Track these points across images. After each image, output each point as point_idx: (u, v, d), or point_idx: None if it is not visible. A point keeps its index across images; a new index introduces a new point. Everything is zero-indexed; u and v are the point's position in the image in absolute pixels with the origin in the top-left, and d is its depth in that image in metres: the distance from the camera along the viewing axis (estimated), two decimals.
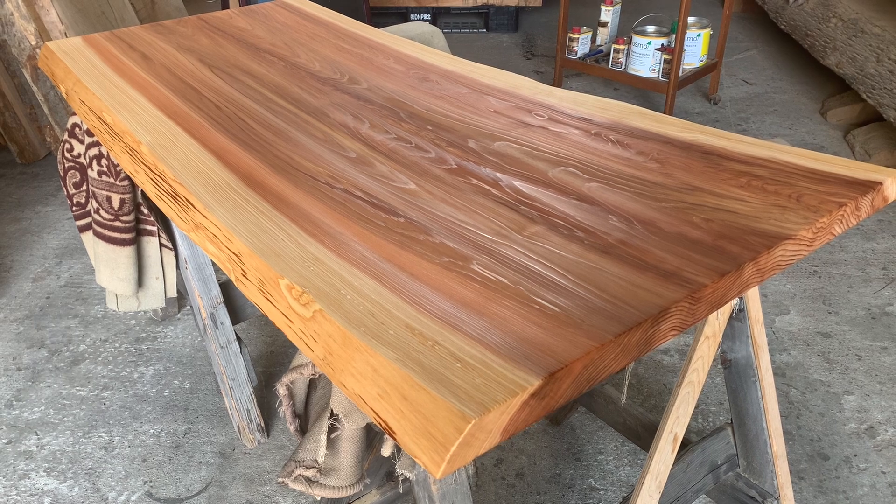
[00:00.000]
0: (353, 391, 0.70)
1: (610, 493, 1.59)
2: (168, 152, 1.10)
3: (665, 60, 3.19)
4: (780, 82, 3.79)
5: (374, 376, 0.67)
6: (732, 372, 1.19)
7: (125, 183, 1.47)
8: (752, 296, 1.11)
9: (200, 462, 1.71)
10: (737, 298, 1.09)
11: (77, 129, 1.53)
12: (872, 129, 3.08)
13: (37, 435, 1.79)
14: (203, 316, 1.58)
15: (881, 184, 0.94)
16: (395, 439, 0.65)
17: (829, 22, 3.37)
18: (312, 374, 1.01)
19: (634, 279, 0.78)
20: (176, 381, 1.95)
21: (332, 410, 0.95)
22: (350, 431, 0.96)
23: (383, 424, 0.66)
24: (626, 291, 0.76)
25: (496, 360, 0.66)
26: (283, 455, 1.73)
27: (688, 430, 1.74)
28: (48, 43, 1.59)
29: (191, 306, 1.62)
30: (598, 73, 3.43)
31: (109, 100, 1.29)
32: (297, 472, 0.98)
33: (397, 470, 0.91)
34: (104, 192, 1.48)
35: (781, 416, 1.77)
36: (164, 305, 1.68)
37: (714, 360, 1.85)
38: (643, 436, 1.45)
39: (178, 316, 2.20)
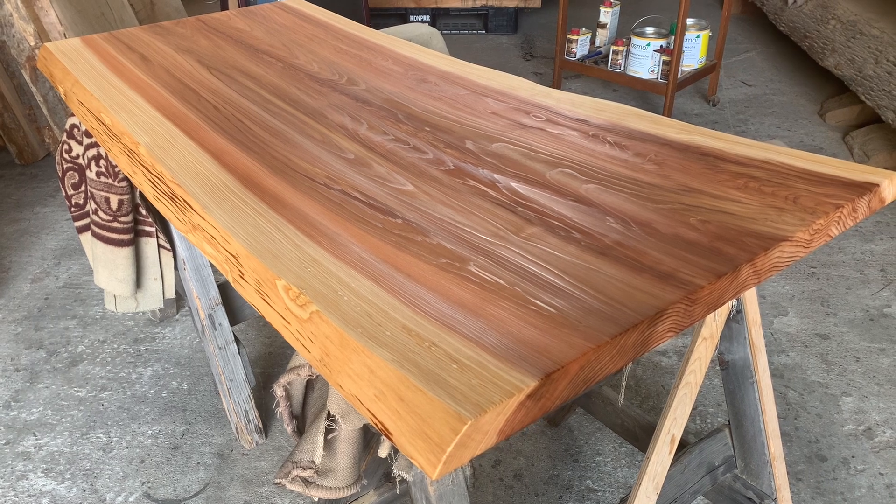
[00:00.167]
0: (350, 392, 0.70)
1: (608, 495, 1.59)
2: (166, 153, 1.10)
3: (664, 62, 3.20)
4: (778, 84, 3.80)
5: (371, 377, 0.67)
6: (730, 373, 1.19)
7: (123, 184, 1.47)
8: (750, 297, 1.11)
9: (198, 463, 1.71)
10: (734, 300, 1.09)
11: (76, 130, 1.54)
12: (871, 131, 3.09)
13: (35, 436, 1.79)
14: (201, 317, 1.58)
15: (878, 185, 0.94)
16: (391, 440, 0.65)
17: (828, 24, 3.37)
18: (309, 376, 1.01)
19: (631, 281, 0.78)
20: (174, 382, 1.95)
21: (328, 411, 0.95)
22: (347, 432, 0.96)
23: (380, 425, 0.66)
24: (622, 293, 0.76)
25: (492, 361, 0.66)
26: (280, 456, 1.73)
27: (686, 432, 1.74)
28: (47, 44, 1.59)
29: (189, 307, 1.62)
30: (597, 74, 3.44)
31: (108, 101, 1.29)
32: (295, 473, 0.98)
33: (394, 471, 0.91)
34: (102, 193, 1.48)
35: (779, 418, 1.78)
36: (162, 306, 1.68)
37: (712, 361, 1.85)
38: (641, 437, 1.45)
39: (177, 317, 2.20)
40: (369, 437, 1.02)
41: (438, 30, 4.70)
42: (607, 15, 3.56)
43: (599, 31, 3.61)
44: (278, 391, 1.04)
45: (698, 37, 3.29)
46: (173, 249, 1.56)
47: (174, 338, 2.12)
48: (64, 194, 1.63)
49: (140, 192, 1.50)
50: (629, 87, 3.37)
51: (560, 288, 0.77)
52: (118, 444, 1.77)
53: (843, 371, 1.92)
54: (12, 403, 1.90)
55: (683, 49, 3.26)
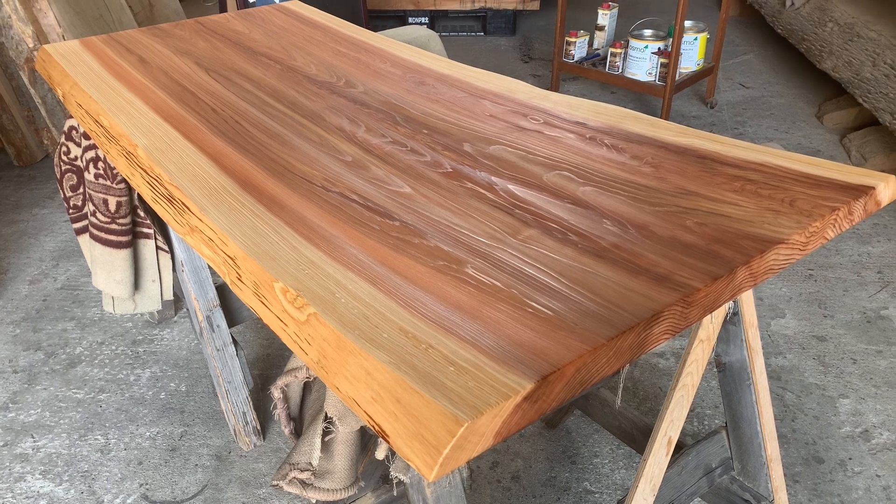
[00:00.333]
0: (347, 394, 0.70)
1: (605, 497, 1.60)
2: (164, 155, 1.10)
3: (662, 64, 3.20)
4: (776, 86, 3.80)
5: (368, 379, 0.67)
6: (727, 375, 1.20)
7: (122, 186, 1.47)
8: (747, 299, 1.11)
9: (196, 465, 1.71)
10: (731, 302, 1.10)
11: (74, 132, 1.54)
12: (868, 133, 3.09)
13: (33, 437, 1.79)
14: (199, 319, 1.58)
15: (874, 188, 0.94)
16: (388, 442, 0.65)
17: (826, 26, 3.38)
18: (307, 378, 1.01)
19: (627, 283, 0.78)
20: (172, 384, 1.95)
21: (326, 414, 0.95)
22: (344, 434, 0.96)
23: (377, 427, 0.66)
24: (619, 295, 0.76)
25: (489, 363, 0.66)
26: (279, 458, 1.74)
27: (683, 434, 1.75)
28: (45, 46, 1.59)
29: (187, 309, 1.62)
30: (596, 76, 3.44)
31: (106, 103, 1.29)
32: (292, 474, 0.98)
33: (391, 473, 0.91)
34: (101, 195, 1.48)
35: (777, 420, 1.78)
36: (160, 308, 1.68)
37: (709, 363, 1.85)
38: (638, 439, 1.45)
39: (175, 318, 2.20)
40: (367, 439, 1.02)
41: (437, 32, 4.71)
42: (605, 17, 3.56)
43: (598, 33, 3.61)
44: (276, 393, 1.04)
45: (696, 39, 3.30)
46: (171, 251, 1.56)
47: (172, 339, 2.12)
48: (62, 196, 1.63)
49: (138, 193, 1.50)
50: (627, 89, 3.38)
51: (557, 290, 0.77)
52: (116, 446, 1.77)
53: (840, 373, 1.92)
54: (10, 405, 1.89)
55: (681, 51, 3.27)
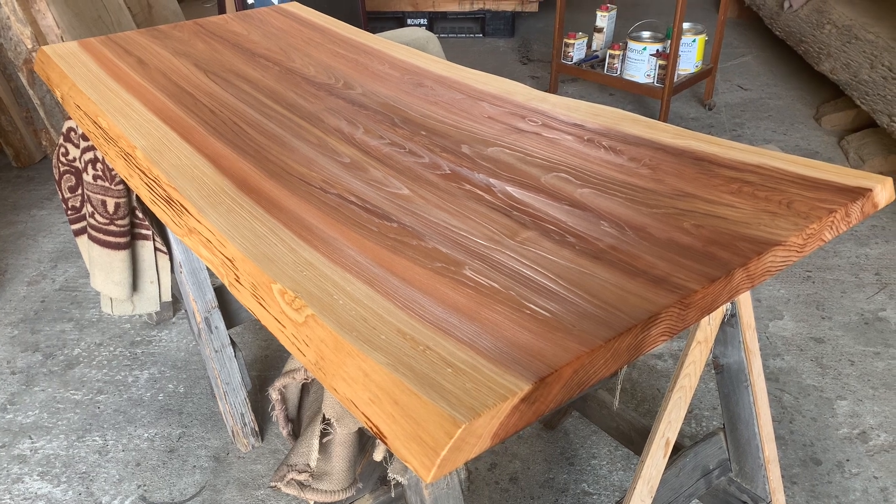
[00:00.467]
0: (345, 396, 0.70)
1: (603, 498, 1.60)
2: (162, 157, 1.10)
3: (660, 66, 3.21)
4: (774, 88, 3.81)
5: (366, 381, 0.67)
6: (724, 377, 1.20)
7: (120, 187, 1.47)
8: (744, 301, 1.11)
9: (194, 466, 1.71)
10: (729, 304, 1.10)
11: (72, 133, 1.54)
12: (866, 135, 3.10)
13: (31, 439, 1.79)
14: (197, 320, 1.58)
15: (871, 190, 0.94)
16: (386, 444, 0.66)
17: (824, 28, 3.38)
18: (305, 379, 1.01)
19: (625, 285, 0.78)
20: (170, 385, 1.95)
21: (324, 415, 0.95)
22: (342, 436, 0.97)
23: (374, 429, 0.67)
24: (616, 297, 0.76)
25: (487, 364, 0.66)
26: (277, 459, 1.74)
27: (681, 435, 1.75)
28: (44, 47, 1.59)
29: (185, 310, 1.62)
30: (594, 78, 3.45)
31: (104, 104, 1.30)
32: (290, 476, 0.98)
33: (389, 474, 0.91)
34: (99, 196, 1.48)
35: (774, 421, 1.78)
36: (158, 309, 1.68)
37: (707, 365, 1.86)
38: (636, 440, 1.46)
39: (173, 320, 2.20)
40: (365, 440, 1.02)
41: (436, 33, 4.71)
42: (604, 19, 3.57)
43: (596, 35, 3.62)
44: (274, 395, 1.05)
45: (694, 41, 3.31)
46: (170, 252, 1.56)
47: (170, 341, 2.12)
48: (61, 197, 1.63)
49: (137, 195, 1.50)
50: (625, 90, 3.38)
51: (554, 292, 0.77)
52: (114, 447, 1.77)
53: (837, 375, 1.93)
54: (8, 406, 1.89)
55: (680, 53, 3.27)
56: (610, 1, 3.68)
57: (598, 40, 3.61)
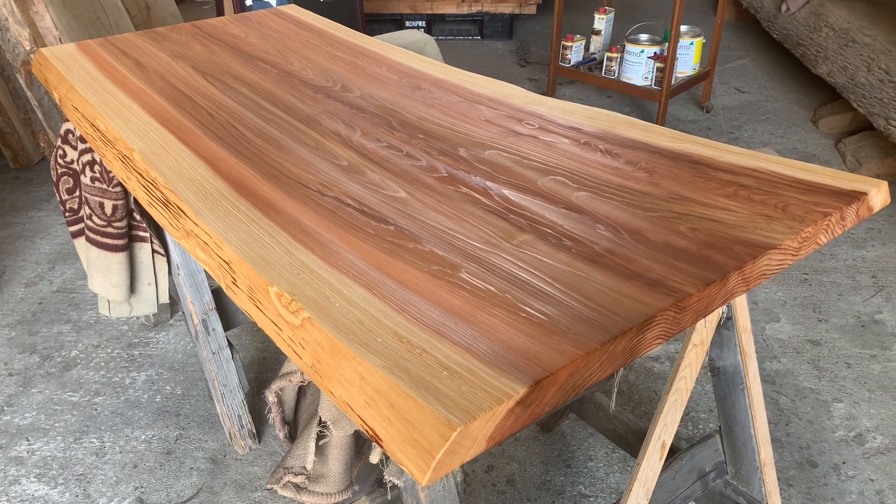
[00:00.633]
0: (341, 398, 0.70)
1: (600, 500, 1.60)
2: (160, 159, 1.10)
3: (658, 69, 3.21)
4: (772, 91, 3.82)
5: (362, 384, 0.68)
6: (721, 379, 1.20)
7: (118, 189, 1.47)
8: (741, 304, 1.11)
9: (192, 468, 1.71)
10: (725, 307, 1.10)
11: (70, 135, 1.54)
12: (863, 138, 3.11)
13: (28, 440, 1.79)
14: (195, 322, 1.58)
15: (866, 194, 0.95)
16: (381, 447, 0.66)
17: (821, 31, 3.39)
18: (301, 382, 1.01)
19: (621, 288, 0.79)
20: (168, 387, 1.95)
21: (320, 418, 0.95)
22: (338, 438, 0.97)
23: (370, 432, 0.67)
24: (612, 300, 0.76)
25: (482, 367, 0.67)
26: (274, 461, 1.74)
27: (677, 437, 1.75)
28: (42, 49, 1.60)
29: (183, 312, 1.62)
30: (592, 80, 3.45)
31: (102, 106, 1.30)
32: (286, 478, 0.98)
33: (386, 477, 0.92)
34: (97, 198, 1.49)
35: (771, 424, 1.78)
36: (156, 311, 1.68)
37: (703, 367, 1.86)
38: (633, 443, 1.46)
39: (171, 322, 2.20)
40: (361, 442, 1.02)
41: (434, 36, 4.72)
42: (602, 22, 3.57)
43: (594, 37, 3.62)
44: (270, 397, 1.05)
45: (692, 44, 3.31)
46: (167, 254, 1.56)
47: (168, 342, 2.12)
48: (58, 199, 1.63)
49: (134, 197, 1.50)
50: (623, 93, 3.39)
51: (550, 295, 0.78)
52: (111, 449, 1.76)
53: (834, 377, 1.93)
54: (5, 408, 1.89)
55: (677, 56, 3.28)
56: (608, 3, 3.69)
57: (596, 43, 3.62)
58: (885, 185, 0.97)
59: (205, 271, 1.58)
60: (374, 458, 0.93)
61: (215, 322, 1.61)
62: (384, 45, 1.64)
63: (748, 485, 1.26)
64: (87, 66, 1.51)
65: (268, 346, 2.11)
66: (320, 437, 0.97)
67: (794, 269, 2.39)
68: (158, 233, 1.56)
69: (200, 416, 1.85)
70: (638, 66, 3.27)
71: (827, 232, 0.92)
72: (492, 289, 0.79)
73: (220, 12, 3.55)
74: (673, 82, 3.27)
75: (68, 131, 1.54)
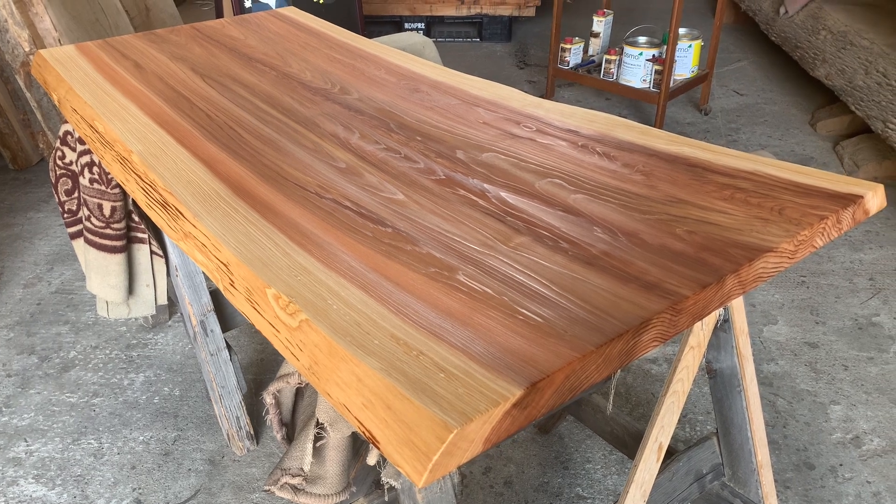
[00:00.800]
0: (338, 400, 0.71)
1: (597, 502, 1.60)
2: (158, 161, 1.11)
3: (656, 71, 3.22)
4: (770, 93, 3.82)
5: (359, 386, 0.68)
6: (718, 382, 1.20)
7: (116, 191, 1.47)
8: (738, 306, 1.12)
9: (189, 469, 1.71)
10: (722, 309, 1.10)
11: (69, 136, 1.54)
12: (861, 141, 3.11)
13: (26, 441, 1.79)
14: (193, 323, 1.58)
15: (862, 197, 0.95)
16: (378, 448, 0.66)
17: (819, 34, 3.40)
18: (299, 384, 1.01)
19: (617, 290, 0.79)
20: (166, 389, 1.95)
21: (317, 419, 0.96)
22: (336, 440, 0.97)
23: (367, 434, 0.67)
24: (608, 302, 0.77)
25: (479, 369, 0.67)
26: (272, 462, 1.74)
27: (675, 439, 1.75)
28: (41, 51, 1.60)
29: (181, 313, 1.62)
30: (590, 83, 3.46)
31: (101, 108, 1.30)
32: (284, 480, 0.98)
33: (383, 478, 0.92)
34: (95, 200, 1.49)
35: (768, 426, 1.79)
36: (154, 313, 1.68)
37: (700, 369, 1.86)
38: (630, 445, 1.46)
39: (169, 323, 2.20)
40: (358, 444, 1.03)
41: (433, 38, 4.72)
42: (600, 24, 3.58)
43: (592, 40, 3.63)
44: (268, 399, 1.05)
45: (690, 46, 3.32)
46: (166, 256, 1.56)
47: (166, 344, 2.12)
48: (57, 200, 1.64)
49: (133, 198, 1.50)
50: (622, 95, 3.39)
51: (547, 297, 0.78)
52: (109, 450, 1.77)
53: (831, 379, 1.93)
54: (3, 409, 1.89)
55: (676, 58, 3.28)
56: (606, 6, 3.69)
57: (595, 45, 3.62)
58: (881, 188, 0.97)
59: (203, 273, 1.59)
60: (372, 459, 0.93)
61: (213, 323, 1.61)
62: (383, 48, 1.65)
63: (745, 487, 1.26)
64: (86, 67, 1.51)
65: (265, 348, 2.11)
66: (318, 438, 0.97)
67: (792, 272, 2.40)
68: (157, 234, 1.57)
69: (198, 418, 1.85)
70: (636, 69, 3.28)
71: (823, 235, 0.93)
72: (489, 291, 0.79)
73: (219, 14, 3.55)
74: (671, 85, 3.27)
75: (67, 133, 1.55)
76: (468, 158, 1.12)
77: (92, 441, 1.79)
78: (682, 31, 3.35)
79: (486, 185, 1.03)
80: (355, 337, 0.72)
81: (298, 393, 1.11)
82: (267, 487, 1.00)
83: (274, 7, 3.38)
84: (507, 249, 0.87)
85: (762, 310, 2.21)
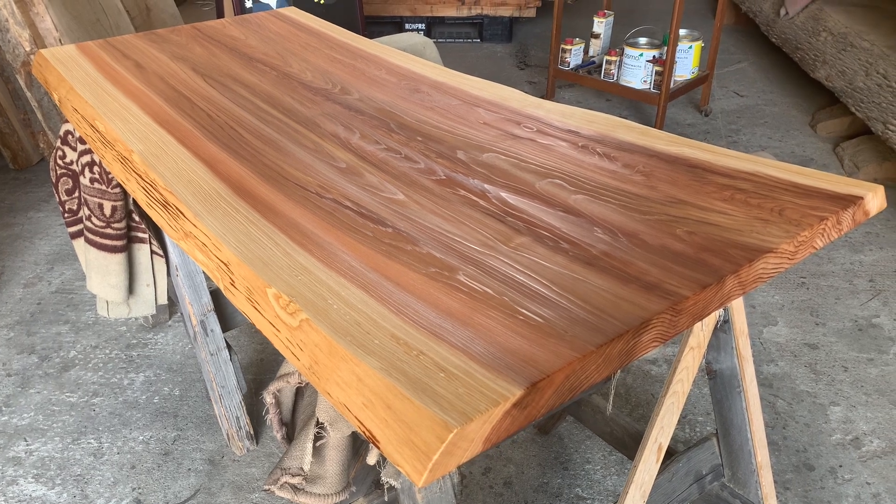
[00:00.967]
0: (339, 400, 0.71)
1: (597, 503, 1.60)
2: (159, 161, 1.11)
3: (657, 72, 3.22)
4: (770, 95, 3.82)
5: (359, 385, 0.68)
6: (717, 383, 1.20)
7: (117, 190, 1.47)
8: (738, 307, 1.12)
9: (189, 469, 1.71)
10: (722, 310, 1.10)
11: (70, 136, 1.54)
12: (861, 142, 3.11)
13: (26, 441, 1.79)
14: (193, 323, 1.58)
15: (862, 199, 0.95)
16: (378, 448, 0.66)
17: (819, 36, 3.40)
18: (299, 383, 1.02)
19: (617, 291, 0.79)
20: (166, 388, 1.95)
21: (317, 419, 0.96)
22: (336, 440, 0.97)
23: (367, 433, 0.67)
24: (608, 303, 0.77)
25: (479, 369, 0.67)
26: (271, 462, 1.74)
27: (674, 440, 1.76)
28: (42, 50, 1.60)
29: (181, 313, 1.62)
30: (591, 84, 3.46)
31: (102, 108, 1.30)
32: (283, 479, 0.98)
33: (383, 478, 0.92)
34: (96, 200, 1.49)
35: (768, 427, 1.79)
36: (154, 312, 1.68)
37: (700, 370, 1.86)
38: (630, 445, 1.46)
39: (169, 323, 2.21)
40: (358, 444, 1.03)
41: (433, 38, 4.73)
42: (601, 25, 3.58)
43: (593, 41, 3.63)
44: (268, 398, 1.05)
45: (691, 47, 3.32)
46: (166, 255, 1.56)
47: (166, 344, 2.12)
48: (57, 200, 1.64)
49: (133, 198, 1.50)
50: (622, 96, 3.40)
51: (547, 297, 0.78)
52: (109, 450, 1.77)
53: (831, 381, 1.93)
54: (3, 408, 1.89)
55: (676, 59, 3.28)
56: (607, 7, 3.69)
57: (595, 46, 3.63)
58: (881, 189, 0.98)
59: (203, 272, 1.59)
60: (372, 459, 0.93)
61: (214, 323, 1.61)
62: (383, 48, 1.65)
63: (745, 488, 1.26)
64: (87, 67, 1.51)
65: (265, 348, 2.11)
66: (317, 438, 0.97)
67: (792, 273, 2.40)
68: (157, 234, 1.57)
69: (198, 418, 1.86)
70: (637, 70, 3.28)
71: (823, 236, 0.93)
72: (489, 291, 0.79)
73: (220, 14, 3.55)
74: (672, 86, 3.28)
75: (68, 132, 1.55)
76: (469, 159, 1.12)
77: (92, 441, 1.79)
78: (682, 32, 3.35)
79: (486, 186, 1.03)
80: (356, 337, 0.72)
81: (298, 392, 1.11)
82: (267, 487, 1.00)
83: (275, 7, 3.38)
84: (508, 250, 0.88)
85: (762, 311, 2.21)
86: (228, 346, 1.65)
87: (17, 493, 1.65)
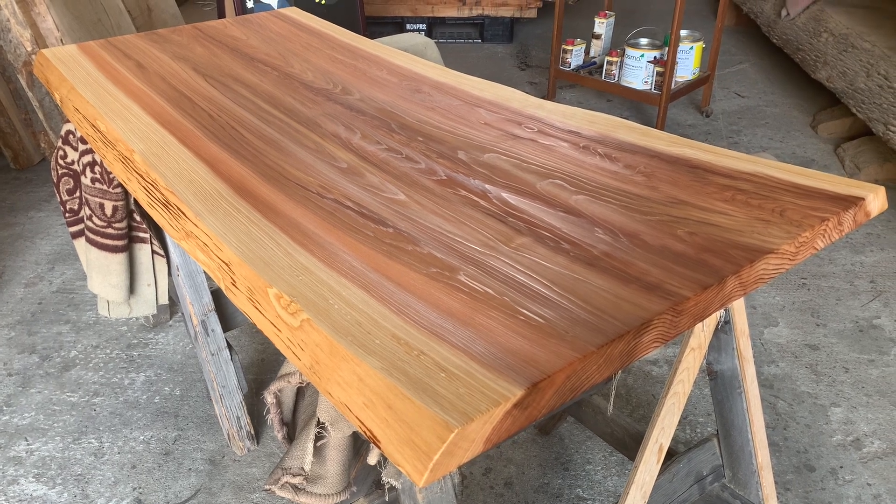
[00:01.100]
0: (339, 400, 0.71)
1: (597, 503, 1.60)
2: (160, 161, 1.11)
3: (658, 73, 3.22)
4: (771, 95, 3.82)
5: (360, 385, 0.68)
6: (718, 383, 1.20)
7: (118, 190, 1.48)
8: (738, 308, 1.12)
9: (190, 469, 1.71)
10: (723, 310, 1.10)
11: (71, 136, 1.54)
12: (862, 143, 3.11)
13: (26, 441, 1.79)
14: (194, 323, 1.58)
15: (863, 199, 0.95)
16: (379, 448, 0.66)
17: (821, 37, 3.40)
18: (300, 383, 1.02)
19: (618, 291, 0.79)
20: (166, 388, 1.95)
21: (318, 419, 0.96)
22: (336, 440, 0.97)
23: (368, 433, 0.67)
24: (609, 303, 0.77)
25: (480, 370, 0.67)
26: (272, 462, 1.74)
27: (675, 441, 1.75)
28: (43, 50, 1.60)
29: (182, 313, 1.62)
30: (592, 84, 3.46)
31: (103, 108, 1.30)
32: (284, 479, 0.98)
33: (384, 478, 0.92)
34: (97, 199, 1.49)
35: (769, 428, 1.79)
36: (155, 312, 1.68)
37: (701, 371, 1.86)
38: (631, 446, 1.46)
39: (170, 323, 2.21)
40: (359, 444, 1.03)
41: (434, 39, 4.73)
42: (602, 26, 3.58)
43: (594, 41, 3.63)
44: (269, 398, 1.05)
45: (692, 48, 3.32)
46: (167, 255, 1.57)
47: (167, 343, 2.12)
48: (59, 200, 1.64)
49: (134, 198, 1.50)
50: (623, 97, 3.40)
51: (548, 298, 0.78)
52: (110, 450, 1.77)
53: (832, 382, 1.93)
54: (4, 408, 1.89)
55: (677, 60, 3.28)
56: (608, 8, 3.69)
57: (597, 47, 3.63)
58: (882, 190, 0.98)
59: (204, 272, 1.59)
60: (372, 459, 0.93)
61: (214, 323, 1.61)
62: (384, 49, 1.65)
63: (745, 489, 1.26)
64: (89, 67, 1.52)
65: (266, 348, 2.11)
66: (318, 438, 0.97)
67: (793, 274, 2.40)
68: (158, 234, 1.57)
69: (199, 418, 1.86)
70: (638, 71, 3.28)
71: (824, 237, 0.93)
72: (490, 291, 0.79)
73: (221, 14, 3.55)
74: (673, 87, 3.28)
75: (69, 132, 1.55)
76: (469, 159, 1.12)
77: (92, 440, 1.79)
78: (683, 33, 3.35)
79: (487, 186, 1.03)
80: (356, 337, 0.72)
81: (299, 392, 1.11)
82: (267, 487, 1.00)
83: (276, 7, 3.38)
84: (509, 250, 0.88)
85: (763, 312, 2.21)
86: (229, 346, 1.65)
87: (17, 493, 1.65)
